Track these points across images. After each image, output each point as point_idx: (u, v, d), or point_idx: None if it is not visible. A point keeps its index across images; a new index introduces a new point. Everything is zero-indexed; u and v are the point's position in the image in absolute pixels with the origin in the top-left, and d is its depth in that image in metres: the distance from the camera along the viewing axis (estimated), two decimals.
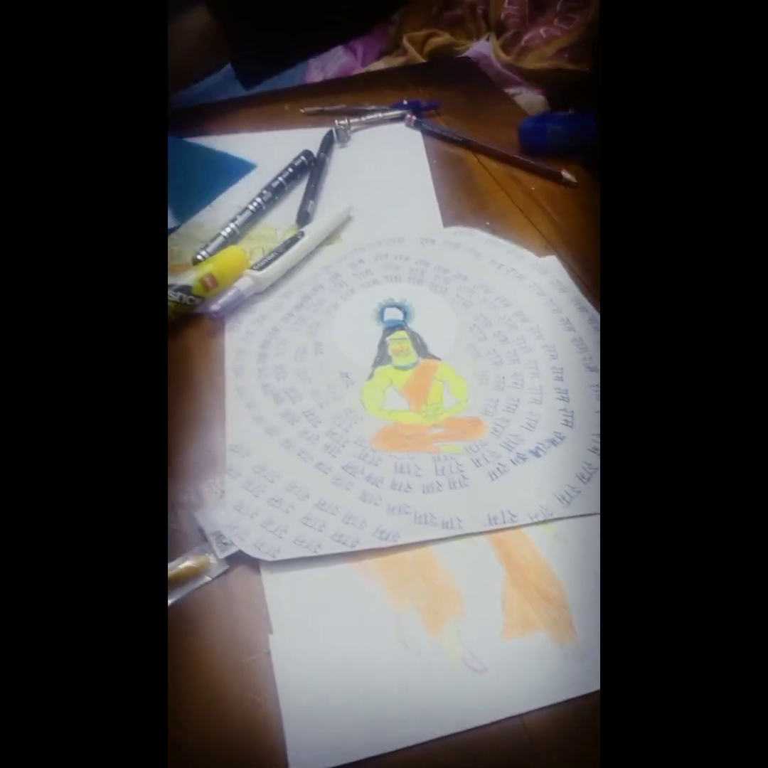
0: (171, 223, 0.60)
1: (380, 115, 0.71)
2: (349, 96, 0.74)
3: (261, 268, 0.52)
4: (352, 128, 0.70)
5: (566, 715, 0.33)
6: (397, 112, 0.71)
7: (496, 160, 0.66)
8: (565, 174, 0.63)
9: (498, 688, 0.34)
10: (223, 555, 0.38)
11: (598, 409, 0.45)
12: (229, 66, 0.72)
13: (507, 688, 0.34)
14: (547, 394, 0.46)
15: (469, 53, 0.87)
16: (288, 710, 0.33)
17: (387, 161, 0.67)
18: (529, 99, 0.83)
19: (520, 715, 0.33)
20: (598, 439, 0.43)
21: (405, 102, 0.72)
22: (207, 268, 0.52)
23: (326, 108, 0.72)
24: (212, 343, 0.50)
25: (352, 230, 0.59)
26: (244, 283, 0.52)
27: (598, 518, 0.39)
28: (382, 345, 0.50)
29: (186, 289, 0.50)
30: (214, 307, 0.50)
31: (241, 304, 0.52)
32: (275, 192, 0.61)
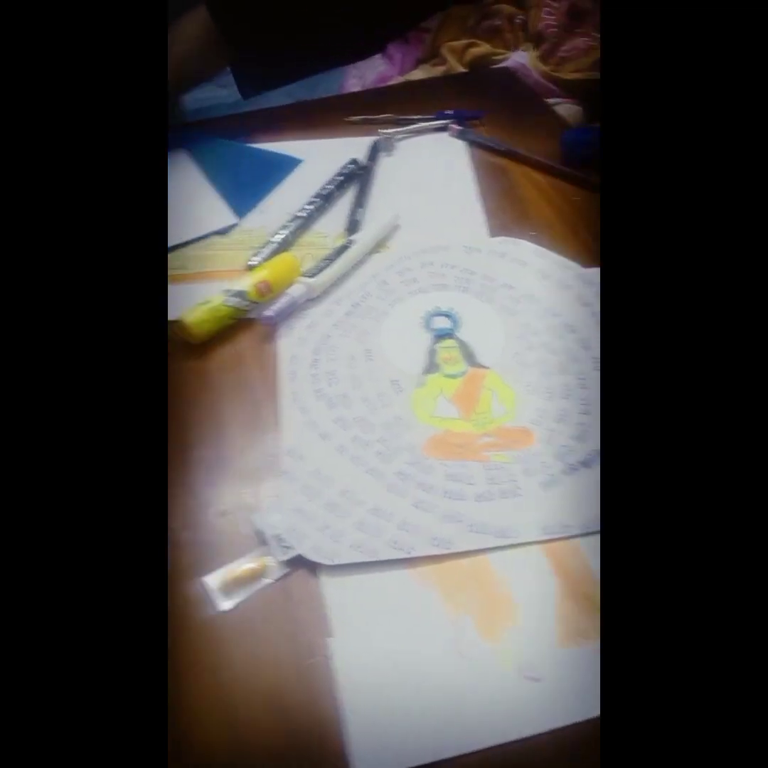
0: (231, 220, 0.61)
1: (424, 124, 0.71)
2: (393, 105, 0.75)
3: (313, 276, 0.53)
4: (397, 137, 0.70)
5: None
6: (441, 122, 0.71)
7: (539, 171, 0.66)
8: None
9: (553, 697, 0.34)
10: (283, 558, 0.38)
11: None
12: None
13: (562, 698, 0.34)
14: (596, 405, 0.47)
15: (507, 63, 0.87)
16: (350, 714, 0.34)
17: (432, 170, 0.67)
18: (567, 110, 0.83)
19: (576, 724, 0.33)
20: None
21: (448, 111, 0.73)
22: (262, 274, 0.52)
23: (371, 117, 0.73)
24: (266, 348, 0.51)
25: (398, 239, 0.60)
26: (297, 290, 0.52)
27: None
28: (431, 353, 0.51)
29: (242, 295, 0.51)
30: (268, 312, 0.51)
31: (294, 310, 0.53)
32: (325, 199, 0.62)
